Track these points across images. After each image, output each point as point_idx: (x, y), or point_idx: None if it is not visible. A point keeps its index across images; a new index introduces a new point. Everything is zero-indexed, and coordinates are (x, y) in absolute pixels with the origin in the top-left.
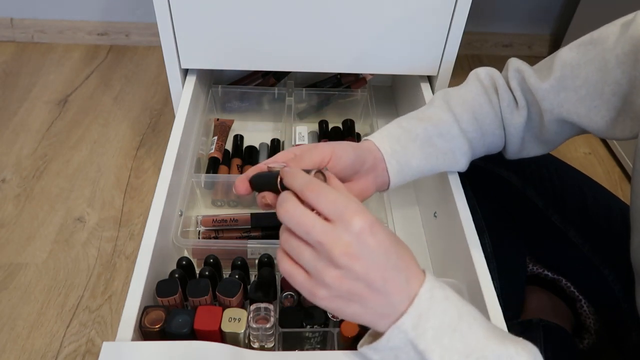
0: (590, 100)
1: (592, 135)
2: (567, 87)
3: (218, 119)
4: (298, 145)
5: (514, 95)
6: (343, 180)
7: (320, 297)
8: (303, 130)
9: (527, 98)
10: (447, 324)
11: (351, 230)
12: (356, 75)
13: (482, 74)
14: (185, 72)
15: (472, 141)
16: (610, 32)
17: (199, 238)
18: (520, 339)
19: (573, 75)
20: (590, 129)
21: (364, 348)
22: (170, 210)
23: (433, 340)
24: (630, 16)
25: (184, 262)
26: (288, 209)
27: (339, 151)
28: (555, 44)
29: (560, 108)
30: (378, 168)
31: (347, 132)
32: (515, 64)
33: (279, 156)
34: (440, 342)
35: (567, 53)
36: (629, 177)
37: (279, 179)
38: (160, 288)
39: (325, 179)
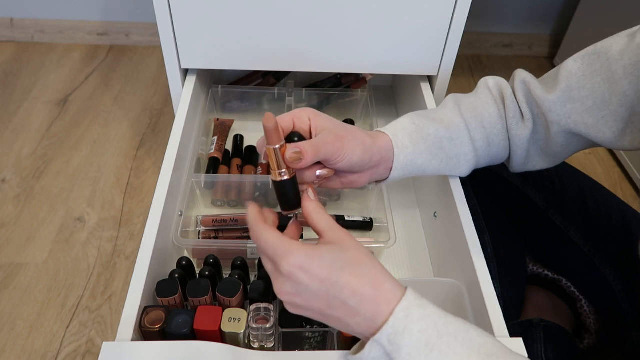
0: (597, 111)
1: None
2: (574, 98)
3: (218, 119)
4: (307, 112)
5: (520, 107)
6: (339, 171)
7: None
8: None
9: (532, 110)
10: (425, 343)
11: (282, 273)
12: (356, 75)
13: (491, 83)
14: (185, 72)
15: (478, 150)
16: (615, 43)
17: (199, 238)
18: (509, 357)
19: (579, 86)
20: (598, 140)
21: (349, 358)
22: (170, 210)
23: (409, 357)
24: (636, 28)
25: (184, 262)
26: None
27: (349, 149)
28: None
29: (568, 119)
30: (381, 166)
31: None
32: (521, 76)
33: (296, 120)
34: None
35: (572, 64)
36: (629, 177)
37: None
38: (160, 288)
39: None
